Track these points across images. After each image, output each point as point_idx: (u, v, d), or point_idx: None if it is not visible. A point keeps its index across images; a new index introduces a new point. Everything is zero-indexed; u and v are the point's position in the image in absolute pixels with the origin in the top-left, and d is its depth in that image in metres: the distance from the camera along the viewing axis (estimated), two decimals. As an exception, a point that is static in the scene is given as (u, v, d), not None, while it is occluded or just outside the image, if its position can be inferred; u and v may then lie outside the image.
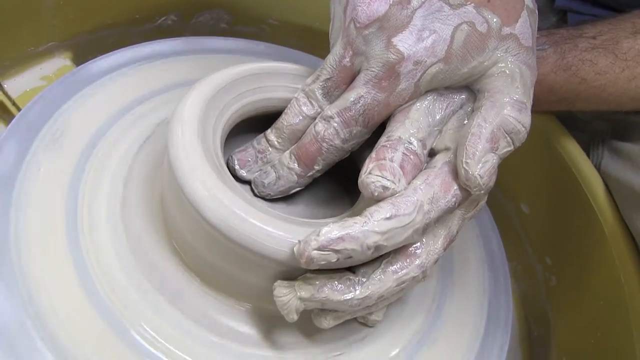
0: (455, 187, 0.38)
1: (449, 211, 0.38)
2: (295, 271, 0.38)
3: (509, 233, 0.63)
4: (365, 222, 0.35)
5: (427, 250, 0.39)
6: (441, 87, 0.40)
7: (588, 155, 0.59)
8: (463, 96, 0.41)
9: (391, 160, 0.37)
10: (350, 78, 0.41)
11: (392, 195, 0.36)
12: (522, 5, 0.40)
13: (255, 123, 0.45)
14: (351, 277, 0.38)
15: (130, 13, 0.65)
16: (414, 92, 0.39)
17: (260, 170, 0.44)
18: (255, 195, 0.45)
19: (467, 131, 0.38)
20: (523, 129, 0.38)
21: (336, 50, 0.41)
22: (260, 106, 0.45)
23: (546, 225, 0.63)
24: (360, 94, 0.39)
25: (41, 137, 0.47)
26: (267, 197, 0.44)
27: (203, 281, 0.42)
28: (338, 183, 0.48)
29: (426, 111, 0.39)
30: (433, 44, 0.38)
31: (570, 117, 0.62)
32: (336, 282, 0.37)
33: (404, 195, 0.36)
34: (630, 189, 0.52)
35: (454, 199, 0.38)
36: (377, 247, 0.35)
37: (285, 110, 0.43)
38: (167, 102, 0.52)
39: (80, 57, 0.60)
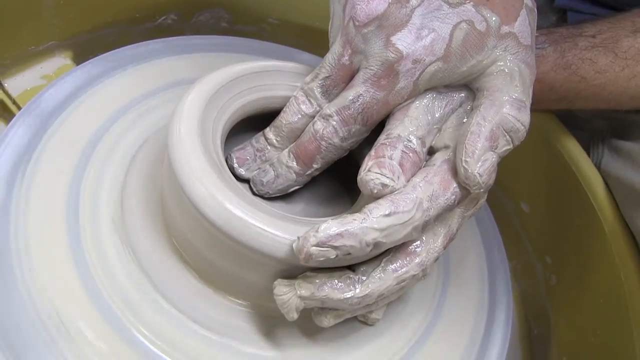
0: (455, 184, 0.38)
1: (449, 209, 0.38)
2: (295, 270, 0.38)
3: (509, 232, 0.63)
4: (364, 218, 0.35)
5: (427, 249, 0.39)
6: (440, 86, 0.40)
7: (588, 154, 0.59)
8: (462, 94, 0.41)
9: (390, 158, 0.37)
10: (349, 76, 0.41)
11: (391, 192, 0.36)
12: (521, 3, 0.40)
13: (256, 122, 0.45)
14: (351, 276, 0.38)
15: (130, 12, 0.65)
16: (412, 91, 0.39)
17: (259, 168, 0.44)
18: (253, 193, 0.45)
19: (466, 130, 0.38)
20: (522, 127, 0.38)
21: (335, 48, 0.41)
22: (260, 105, 0.45)
23: (546, 224, 0.63)
24: (359, 92, 0.39)
25: (42, 136, 0.47)
26: (266, 196, 0.44)
27: (203, 279, 0.42)
28: (338, 182, 0.48)
29: (425, 109, 0.40)
30: (432, 43, 0.38)
31: (570, 116, 0.62)
32: (336, 280, 0.37)
33: (403, 192, 0.36)
34: (630, 188, 0.52)
35: (454, 197, 0.38)
36: (376, 244, 0.35)
37: (284, 109, 0.43)
38: (167, 101, 0.52)
39: (81, 56, 0.60)
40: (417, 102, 0.40)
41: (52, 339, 0.38)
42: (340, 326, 0.42)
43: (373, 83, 0.39)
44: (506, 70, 0.39)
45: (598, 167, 0.58)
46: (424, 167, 0.39)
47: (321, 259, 0.35)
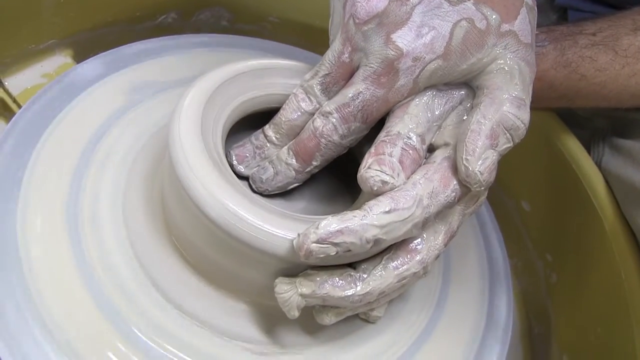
0: (455, 182, 0.38)
1: (449, 206, 0.38)
2: (296, 268, 0.38)
3: (509, 230, 0.63)
4: (365, 215, 0.35)
5: (427, 246, 0.39)
6: (440, 84, 0.40)
7: (589, 152, 0.59)
8: (462, 92, 0.41)
9: (390, 155, 0.37)
10: (349, 74, 0.41)
11: (391, 189, 0.36)
12: (522, 2, 0.40)
13: (256, 120, 0.45)
14: (352, 273, 0.38)
15: (130, 11, 0.65)
16: (412, 89, 0.39)
17: (258, 166, 0.44)
18: (253, 191, 0.45)
19: (466, 128, 0.38)
20: (522, 125, 0.38)
21: (335, 46, 0.41)
22: (260, 103, 0.45)
23: (547, 222, 0.63)
24: (359, 89, 0.39)
25: (42, 134, 0.47)
26: (265, 193, 0.44)
27: (204, 278, 0.43)
28: (339, 179, 0.48)
29: (425, 107, 0.39)
30: (432, 41, 0.38)
31: (570, 115, 0.62)
32: (337, 278, 0.38)
33: (403, 189, 0.36)
34: (630, 186, 0.52)
35: (454, 194, 0.38)
36: (377, 241, 0.36)
37: (284, 106, 0.43)
38: (168, 99, 0.52)
39: (81, 55, 0.60)
40: (417, 100, 0.40)
41: (53, 336, 0.38)
42: (341, 324, 0.42)
43: (373, 81, 0.39)
44: (506, 68, 0.39)
45: (598, 165, 0.58)
46: (424, 164, 0.39)
47: (321, 255, 0.35)
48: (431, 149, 0.40)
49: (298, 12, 0.72)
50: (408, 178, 0.37)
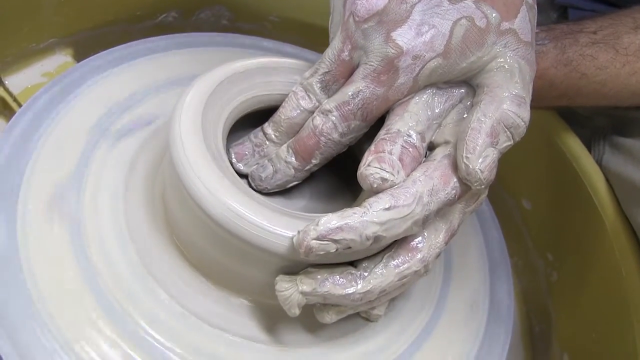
0: (455, 179, 0.38)
1: (449, 203, 0.38)
2: (297, 266, 0.38)
3: (510, 229, 0.63)
4: (365, 212, 0.35)
5: (428, 245, 0.39)
6: (440, 82, 0.40)
7: (589, 151, 0.59)
8: (462, 90, 0.41)
9: (390, 153, 0.37)
10: (348, 72, 0.41)
11: (390, 187, 0.36)
12: (521, 0, 0.40)
13: (257, 118, 0.45)
14: (353, 272, 0.38)
15: (131, 10, 0.65)
16: (412, 87, 0.39)
17: (258, 164, 0.44)
18: (252, 189, 0.45)
19: (466, 126, 0.38)
20: (522, 123, 0.38)
21: (335, 44, 0.41)
22: (261, 101, 0.45)
23: (547, 220, 0.63)
24: (359, 88, 0.39)
25: (42, 133, 0.47)
26: (264, 191, 0.44)
27: (205, 276, 0.43)
28: (339, 178, 0.48)
29: (425, 104, 0.39)
30: (432, 39, 0.38)
31: (571, 113, 0.62)
32: (338, 276, 0.38)
33: (403, 186, 0.36)
34: (631, 185, 0.52)
35: (454, 192, 0.38)
36: (376, 238, 0.35)
37: (283, 104, 0.43)
38: (169, 97, 0.52)
39: (81, 54, 0.60)
40: (417, 98, 0.40)
41: (55, 337, 0.38)
42: (342, 322, 0.42)
43: (373, 79, 0.39)
44: (506, 66, 0.39)
45: (599, 164, 0.58)
46: (424, 162, 0.39)
47: (321, 252, 0.35)
48: (431, 147, 0.40)
49: (298, 11, 0.72)
50: (408, 176, 0.37)
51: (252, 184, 0.44)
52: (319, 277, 0.37)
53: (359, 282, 0.38)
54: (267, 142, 0.44)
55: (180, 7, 0.68)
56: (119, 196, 0.45)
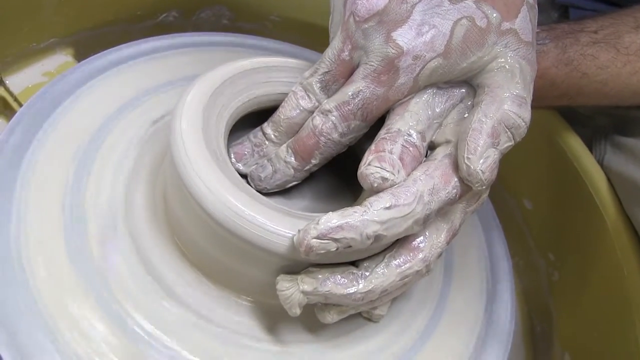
0: (456, 179, 0.38)
1: (450, 203, 0.38)
2: (298, 265, 0.38)
3: (511, 228, 0.63)
4: (365, 211, 0.35)
5: (430, 244, 0.39)
6: (440, 82, 0.40)
7: (591, 151, 0.59)
8: (463, 90, 0.40)
9: (390, 152, 0.37)
10: (348, 72, 0.41)
11: (391, 186, 0.36)
12: (522, 0, 0.40)
13: (258, 118, 0.45)
14: (354, 271, 0.38)
15: (131, 10, 0.65)
16: (412, 87, 0.39)
17: (257, 164, 0.44)
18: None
19: (467, 126, 0.37)
20: (523, 123, 0.38)
21: (335, 43, 0.41)
22: (262, 101, 0.45)
23: (549, 220, 0.63)
24: (359, 88, 0.39)
25: (43, 132, 0.47)
26: (264, 191, 0.44)
27: (206, 276, 0.43)
28: (340, 178, 0.48)
29: (426, 104, 0.39)
30: (432, 39, 0.38)
31: (572, 113, 0.62)
32: (339, 275, 0.38)
33: (403, 185, 0.36)
34: (633, 184, 0.52)
35: (455, 191, 0.38)
36: (377, 237, 0.35)
37: (283, 104, 0.43)
38: (170, 97, 0.52)
39: (82, 54, 0.60)
40: (418, 97, 0.40)
41: (53, 334, 0.38)
42: (343, 322, 0.42)
43: (373, 79, 0.39)
44: (507, 66, 0.39)
45: (600, 163, 0.58)
46: (424, 161, 0.39)
47: (322, 251, 0.35)
48: (432, 147, 0.40)
49: (299, 10, 0.72)
50: (408, 175, 0.37)
51: (252, 184, 0.44)
52: (320, 276, 0.37)
53: (360, 282, 0.38)
54: (267, 142, 0.44)
55: (180, 6, 0.68)
56: (120, 196, 0.45)
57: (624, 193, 0.54)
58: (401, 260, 0.38)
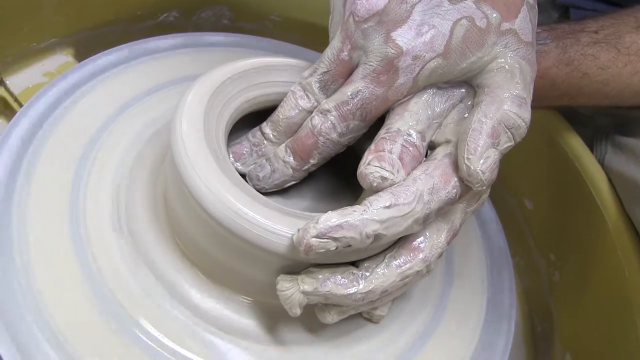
0: (456, 178, 0.38)
1: (450, 203, 0.38)
2: (298, 266, 0.38)
3: (512, 229, 0.63)
4: (365, 210, 0.35)
5: (430, 244, 0.39)
6: (440, 82, 0.40)
7: (591, 151, 0.59)
8: (463, 90, 0.40)
9: (390, 152, 0.37)
10: (348, 72, 0.41)
11: (390, 186, 0.36)
12: (522, 0, 0.40)
13: (258, 118, 0.45)
14: (354, 271, 0.38)
15: (132, 10, 0.65)
16: (412, 87, 0.39)
17: (255, 163, 0.44)
18: None
19: (467, 127, 0.37)
20: (523, 124, 0.38)
21: (334, 43, 0.41)
22: (263, 101, 0.45)
23: (549, 220, 0.63)
24: (358, 88, 0.39)
25: (44, 133, 0.47)
26: (262, 191, 0.44)
27: (206, 275, 0.43)
28: (341, 178, 0.48)
29: (425, 104, 0.39)
30: (432, 39, 0.38)
31: (573, 113, 0.62)
32: (339, 276, 0.37)
33: (403, 185, 0.36)
34: (633, 184, 0.52)
35: (455, 191, 0.38)
36: (377, 236, 0.35)
37: (281, 103, 0.43)
38: (170, 97, 0.52)
39: (82, 54, 0.60)
40: (417, 97, 0.40)
41: (54, 334, 0.38)
42: (343, 322, 0.42)
43: (372, 79, 0.39)
44: (507, 67, 0.39)
45: (601, 163, 0.58)
46: (424, 161, 0.39)
47: (321, 250, 0.35)
48: (432, 147, 0.40)
49: (299, 10, 0.72)
50: (408, 174, 0.37)
51: (250, 184, 0.44)
52: (320, 276, 0.37)
53: (360, 282, 0.38)
54: (265, 142, 0.43)
55: (181, 6, 0.68)
56: (121, 196, 0.45)
57: (624, 193, 0.54)
58: (401, 260, 0.38)
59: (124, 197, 0.45)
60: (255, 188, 0.44)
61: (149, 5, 0.66)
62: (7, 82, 0.57)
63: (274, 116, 0.43)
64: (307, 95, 0.42)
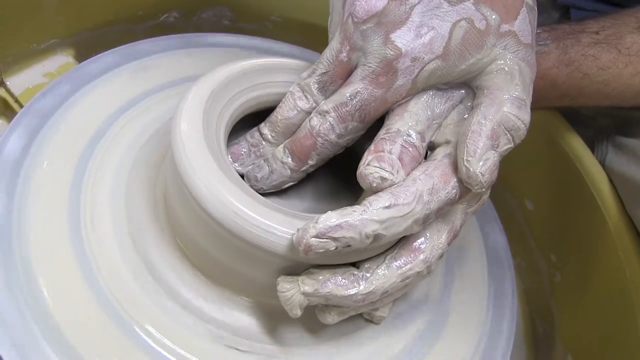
0: (455, 179, 0.37)
1: (450, 203, 0.38)
2: (298, 267, 0.38)
3: (513, 229, 0.62)
4: (364, 210, 0.35)
5: (431, 245, 0.39)
6: (439, 84, 0.40)
7: (592, 151, 0.59)
8: (462, 91, 0.40)
9: (390, 152, 0.37)
10: (346, 73, 0.40)
11: (390, 186, 0.36)
12: (522, 2, 0.40)
13: (258, 118, 0.45)
14: (355, 272, 0.38)
15: (132, 10, 0.65)
16: (411, 89, 0.39)
17: (254, 164, 0.44)
18: None
19: (467, 128, 0.37)
20: (523, 126, 0.38)
21: (333, 44, 0.40)
22: (263, 101, 0.45)
23: (550, 221, 0.63)
24: (357, 89, 0.39)
25: (44, 134, 0.47)
26: (260, 192, 0.44)
27: (206, 276, 0.43)
28: (341, 179, 0.48)
29: (425, 104, 0.39)
30: (431, 41, 0.38)
31: (574, 113, 0.62)
32: (340, 277, 0.37)
33: (403, 185, 0.36)
34: (635, 185, 0.52)
35: (454, 191, 0.37)
36: (376, 237, 0.35)
37: (280, 104, 0.43)
38: (170, 98, 0.52)
39: (83, 54, 0.60)
40: (417, 98, 0.40)
41: (55, 335, 0.38)
42: (344, 323, 0.42)
43: (371, 80, 0.39)
44: (506, 68, 0.39)
45: (602, 164, 0.58)
46: (424, 162, 0.39)
47: (321, 250, 0.35)
48: (432, 147, 0.40)
49: (299, 11, 0.72)
50: (407, 175, 0.37)
51: (248, 184, 0.44)
52: (320, 277, 0.37)
53: (361, 283, 0.38)
54: (264, 142, 0.43)
55: (181, 7, 0.68)
56: (121, 196, 0.45)
57: (625, 194, 0.54)
58: (402, 261, 0.38)
59: (124, 197, 0.45)
60: (253, 189, 0.44)
61: (150, 6, 0.66)
62: (8, 82, 0.57)
63: (273, 117, 0.43)
64: (305, 96, 0.42)
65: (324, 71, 0.41)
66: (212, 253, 0.41)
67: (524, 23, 0.39)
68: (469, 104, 0.40)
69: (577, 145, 0.59)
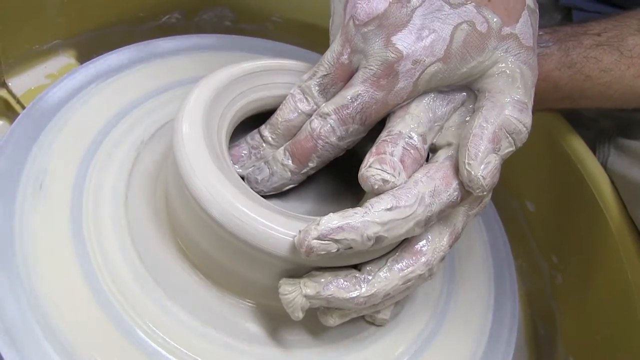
0: (457, 181, 0.37)
1: (451, 205, 0.38)
2: (300, 269, 0.38)
3: (514, 231, 0.62)
4: (366, 212, 0.35)
5: (432, 248, 0.39)
6: (441, 86, 0.40)
7: (594, 153, 0.59)
8: (464, 93, 0.40)
9: (391, 155, 0.37)
10: (347, 75, 0.40)
11: (391, 188, 0.36)
12: (523, 4, 0.40)
13: (259, 120, 0.45)
14: (357, 275, 0.38)
15: (134, 11, 0.65)
16: (412, 92, 0.39)
17: (254, 166, 0.44)
18: None
19: (468, 132, 0.37)
20: (524, 129, 0.38)
21: (334, 47, 0.40)
22: (264, 103, 0.45)
23: (552, 223, 0.63)
24: (358, 91, 0.39)
25: (46, 135, 0.47)
26: (260, 194, 0.44)
27: (207, 278, 0.43)
28: (343, 181, 0.48)
29: (427, 107, 0.39)
30: (432, 43, 0.38)
31: (575, 115, 0.61)
32: (342, 279, 0.37)
33: (404, 187, 0.36)
34: (636, 186, 0.52)
35: (456, 193, 0.37)
36: (378, 239, 0.35)
37: (281, 106, 0.43)
38: (173, 99, 0.52)
39: (85, 55, 0.60)
40: (419, 100, 0.40)
41: (56, 337, 0.38)
42: (345, 325, 0.42)
43: (372, 83, 0.39)
44: (508, 71, 0.39)
45: (604, 166, 0.58)
46: (426, 164, 0.39)
47: (322, 252, 0.35)
48: (433, 149, 0.40)
49: (301, 12, 0.72)
50: (409, 177, 0.37)
51: (248, 187, 0.44)
52: (322, 280, 0.37)
53: (363, 286, 0.38)
54: (264, 145, 0.43)
55: (183, 8, 0.68)
56: (121, 197, 0.45)
57: (627, 195, 0.54)
58: (404, 264, 0.38)
59: (125, 198, 0.45)
60: (253, 191, 0.44)
61: (151, 7, 0.66)
62: (10, 84, 0.57)
63: (273, 119, 0.43)
64: (306, 99, 0.42)
65: (325, 73, 0.41)
66: (213, 255, 0.41)
67: (525, 26, 0.39)
68: (470, 106, 0.40)
69: (578, 146, 0.59)
